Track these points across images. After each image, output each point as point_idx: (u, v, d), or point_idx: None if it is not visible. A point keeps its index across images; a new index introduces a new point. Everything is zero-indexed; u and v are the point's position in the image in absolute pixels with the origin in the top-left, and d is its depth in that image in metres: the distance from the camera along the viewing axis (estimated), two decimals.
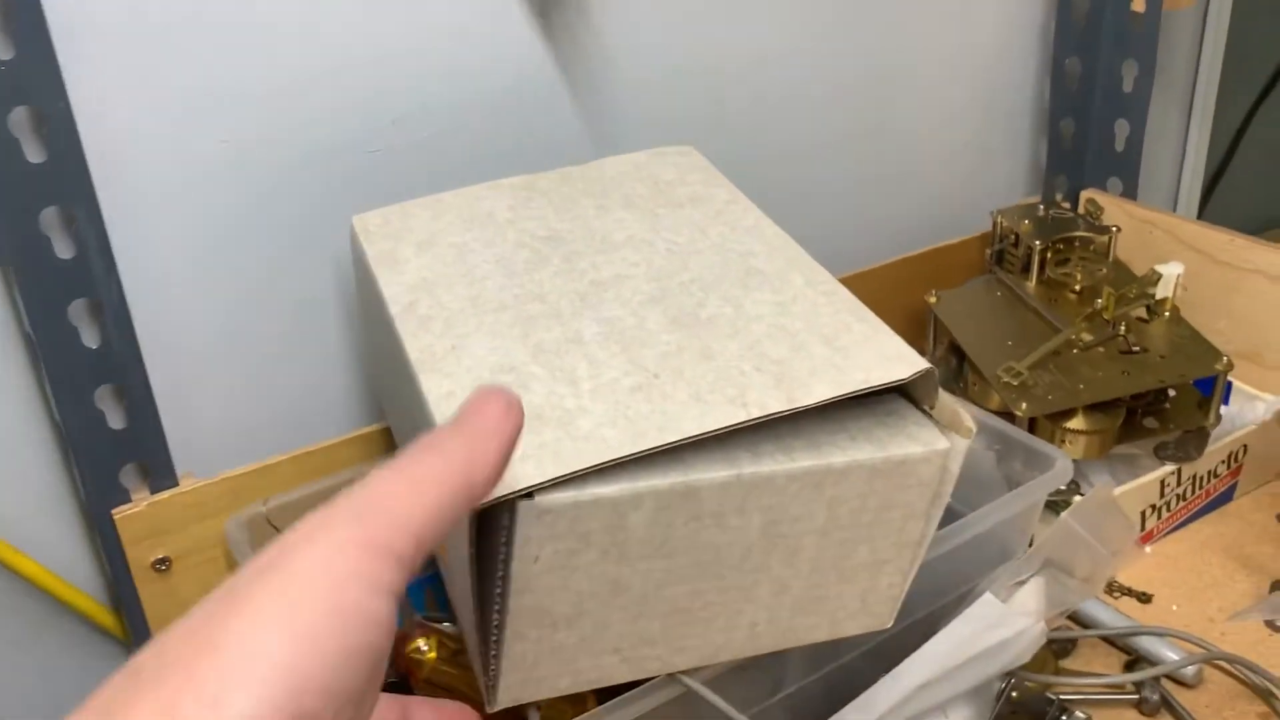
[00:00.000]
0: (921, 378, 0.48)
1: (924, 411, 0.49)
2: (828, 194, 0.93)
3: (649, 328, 0.51)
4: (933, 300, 0.88)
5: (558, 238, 0.59)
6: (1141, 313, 0.83)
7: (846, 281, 0.89)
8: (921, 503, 0.49)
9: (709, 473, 0.44)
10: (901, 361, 0.48)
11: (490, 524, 0.43)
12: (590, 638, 0.46)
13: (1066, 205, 1.01)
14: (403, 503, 0.31)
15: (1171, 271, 0.83)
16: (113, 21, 0.60)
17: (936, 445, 0.47)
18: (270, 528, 0.68)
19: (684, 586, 0.47)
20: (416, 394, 0.49)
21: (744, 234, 0.59)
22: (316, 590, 0.28)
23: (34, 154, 0.57)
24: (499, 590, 0.43)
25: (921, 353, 0.91)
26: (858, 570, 0.50)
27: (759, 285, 0.54)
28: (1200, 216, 1.20)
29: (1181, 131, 1.13)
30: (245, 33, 0.64)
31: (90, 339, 0.62)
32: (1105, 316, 0.81)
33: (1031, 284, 0.88)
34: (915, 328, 0.94)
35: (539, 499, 0.41)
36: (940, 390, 0.49)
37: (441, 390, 0.48)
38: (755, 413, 0.45)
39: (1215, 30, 1.08)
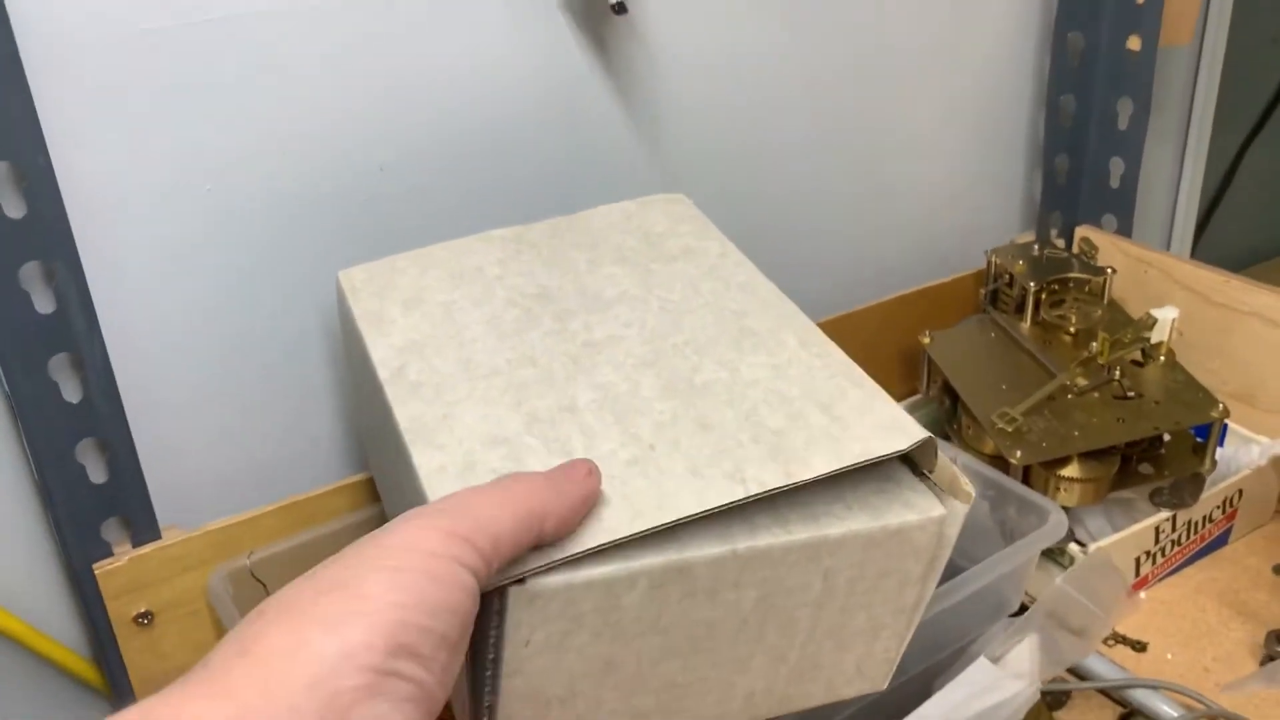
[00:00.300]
0: (920, 446, 0.47)
1: (921, 475, 0.49)
2: (822, 231, 0.92)
3: (643, 394, 0.50)
4: (926, 341, 0.87)
5: (548, 295, 0.58)
6: (1137, 356, 0.82)
7: (841, 321, 0.89)
8: (919, 569, 0.48)
9: (703, 549, 0.43)
10: (900, 431, 0.47)
11: (481, 606, 0.42)
12: (583, 717, 0.46)
13: (1061, 243, 1.00)
14: (485, 509, 0.37)
15: (1166, 316, 0.82)
16: (94, 73, 0.59)
17: (932, 513, 0.47)
18: (254, 581, 0.67)
19: (678, 662, 0.46)
20: (408, 464, 0.48)
21: (737, 291, 0.58)
22: (411, 556, 0.34)
23: (13, 209, 0.56)
24: (489, 673, 0.42)
25: (915, 393, 0.92)
26: (854, 638, 0.49)
27: (753, 347, 0.53)
28: (1194, 249, 1.19)
29: (1176, 166, 1.12)
30: (231, 83, 0.63)
31: (71, 394, 0.61)
32: (1100, 361, 0.80)
33: (1026, 325, 0.87)
34: (909, 367, 0.94)
35: (530, 584, 0.40)
36: (940, 453, 0.48)
37: (434, 464, 0.47)
38: (754, 489, 0.44)
39: (1210, 65, 1.07)
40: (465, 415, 0.49)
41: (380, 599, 0.32)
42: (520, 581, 0.40)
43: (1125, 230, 0.98)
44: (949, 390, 0.85)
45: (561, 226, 0.65)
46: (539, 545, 0.39)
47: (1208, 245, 1.22)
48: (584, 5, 0.72)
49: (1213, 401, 0.78)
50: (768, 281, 0.59)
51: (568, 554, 0.41)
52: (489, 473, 0.46)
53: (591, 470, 0.42)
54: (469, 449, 0.47)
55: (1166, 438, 0.80)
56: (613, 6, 0.68)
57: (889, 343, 0.93)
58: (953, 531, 0.48)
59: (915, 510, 0.47)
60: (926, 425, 0.90)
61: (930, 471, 0.48)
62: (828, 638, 0.49)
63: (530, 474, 0.41)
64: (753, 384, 0.51)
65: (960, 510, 0.47)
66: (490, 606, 0.41)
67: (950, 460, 0.48)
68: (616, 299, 0.58)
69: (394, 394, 0.51)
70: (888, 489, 0.47)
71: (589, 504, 0.41)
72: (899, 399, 0.94)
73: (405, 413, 0.50)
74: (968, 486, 0.47)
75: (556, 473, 0.41)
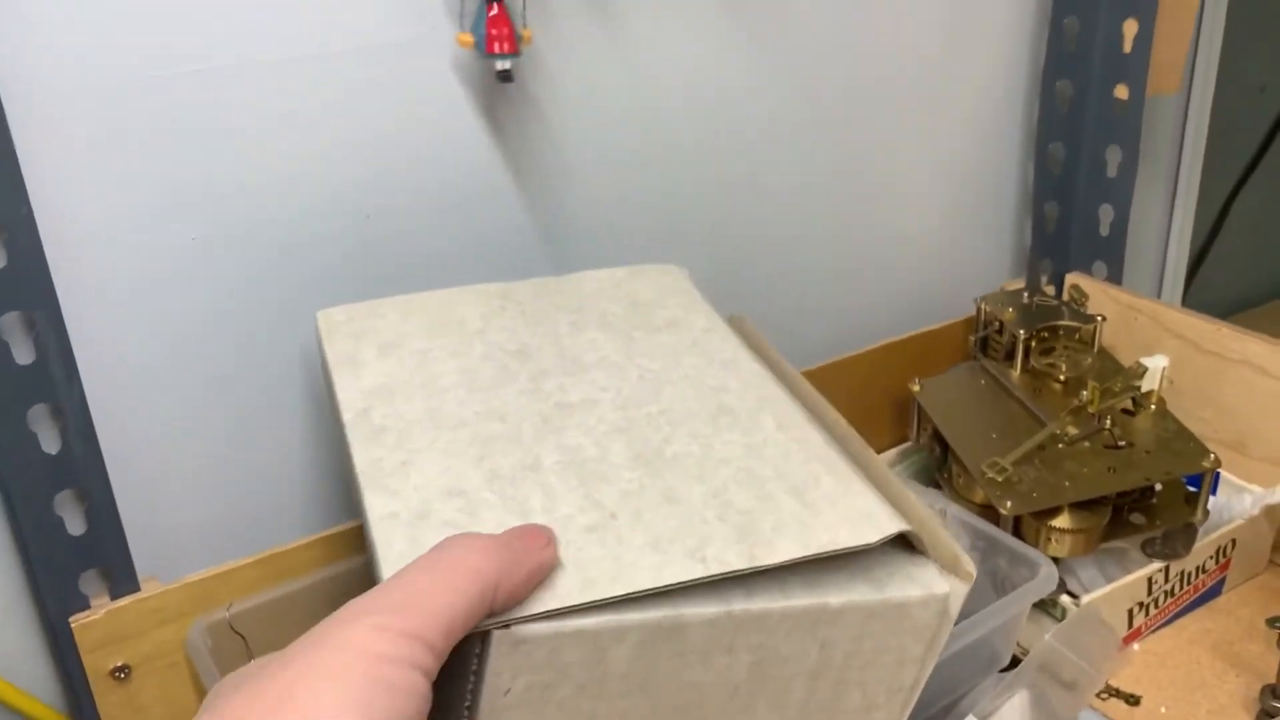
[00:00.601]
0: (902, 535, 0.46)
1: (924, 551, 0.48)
2: (811, 279, 0.92)
3: (611, 461, 0.49)
4: (916, 389, 0.87)
5: (527, 353, 0.58)
6: (1127, 405, 0.82)
7: (831, 368, 0.89)
8: (918, 647, 0.46)
9: (697, 607, 0.42)
10: (871, 524, 0.45)
11: (457, 650, 0.41)
12: None
13: (1051, 290, 1.00)
14: (435, 598, 0.35)
15: (1157, 365, 0.82)
16: (77, 124, 0.59)
17: (936, 589, 0.45)
18: (233, 633, 0.66)
19: None
20: (362, 509, 0.47)
21: (719, 367, 0.57)
22: (361, 665, 0.32)
23: None
24: None
25: (905, 440, 0.92)
26: (847, 715, 0.48)
27: (729, 425, 0.52)
28: (1185, 295, 1.19)
29: (1166, 213, 1.13)
30: (216, 134, 0.63)
31: (50, 444, 0.60)
32: (1090, 410, 0.80)
33: (1016, 374, 0.87)
34: (899, 412, 0.93)
35: (515, 629, 0.39)
36: (941, 531, 0.47)
37: (385, 509, 0.46)
38: (714, 569, 0.42)
39: (1198, 114, 1.08)
40: (425, 464, 0.49)
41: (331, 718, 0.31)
42: (505, 626, 0.39)
43: (1115, 277, 0.98)
44: (939, 438, 0.85)
45: (549, 287, 0.65)
46: (490, 615, 0.38)
47: (1198, 291, 1.22)
48: (480, 74, 0.71)
49: (1204, 451, 0.77)
50: (752, 360, 0.58)
51: (552, 607, 0.40)
52: (442, 524, 0.45)
53: (550, 540, 0.41)
54: (425, 498, 0.46)
55: (1158, 487, 0.80)
56: (499, 74, 0.68)
57: (879, 389, 0.93)
58: (954, 609, 0.46)
59: (919, 585, 0.45)
60: (916, 474, 0.91)
61: (925, 554, 0.47)
62: (820, 713, 0.47)
63: (484, 540, 0.39)
64: (724, 461, 0.50)
65: (962, 590, 0.46)
66: (469, 651, 0.39)
67: (952, 540, 0.47)
68: (595, 363, 0.57)
69: (355, 436, 0.51)
70: (890, 562, 0.46)
71: (543, 574, 0.40)
72: (889, 446, 0.94)
73: (364, 456, 0.49)
74: (969, 566, 0.46)
75: (513, 538, 0.40)
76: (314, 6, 0.64)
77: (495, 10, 0.66)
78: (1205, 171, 1.12)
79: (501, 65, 0.67)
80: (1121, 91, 0.91)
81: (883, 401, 0.94)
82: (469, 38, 0.67)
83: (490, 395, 0.54)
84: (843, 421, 0.54)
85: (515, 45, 0.66)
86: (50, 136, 0.58)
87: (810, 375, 0.87)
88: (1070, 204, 0.98)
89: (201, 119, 0.63)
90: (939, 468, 0.87)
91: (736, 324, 0.65)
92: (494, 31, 0.66)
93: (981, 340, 0.92)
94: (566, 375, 0.56)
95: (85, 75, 0.59)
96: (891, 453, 0.94)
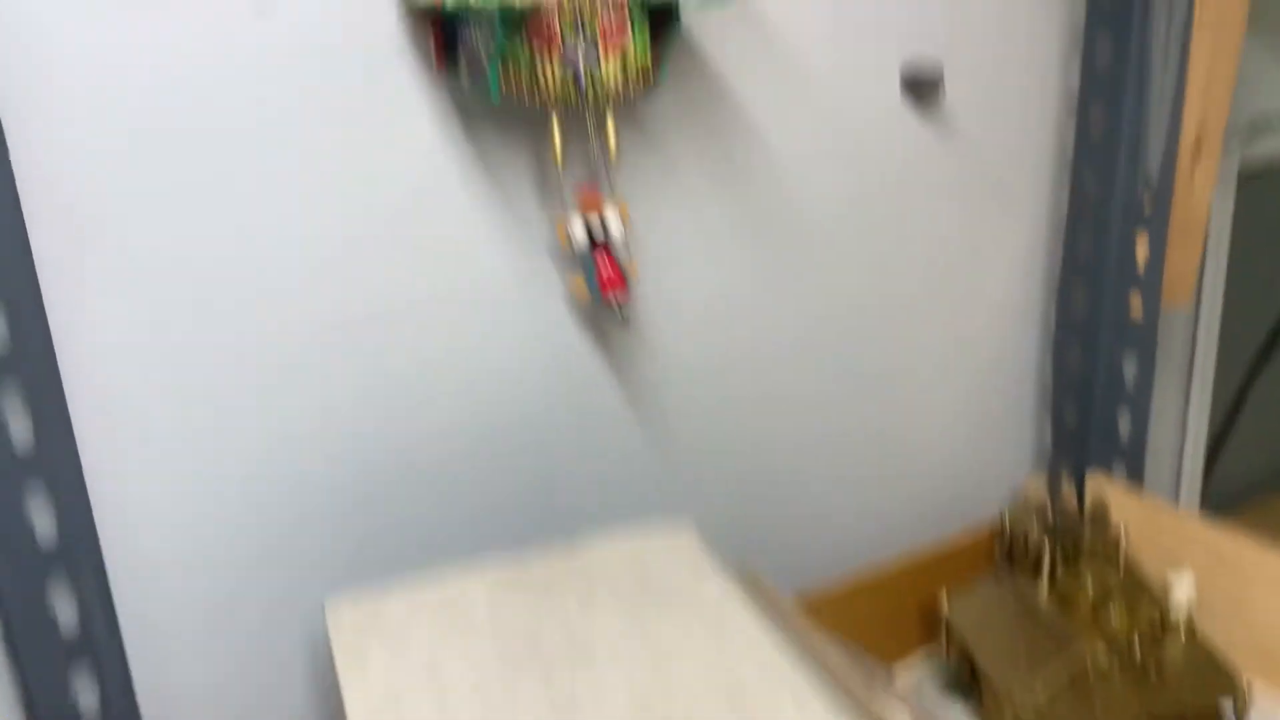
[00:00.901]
0: None
1: None
2: (836, 486, 0.93)
3: None
4: (946, 610, 0.87)
5: (537, 642, 0.58)
6: (1156, 623, 0.82)
7: (857, 589, 0.88)
8: None
9: None
10: None
11: None
12: None
13: (1072, 491, 1.00)
14: None
15: (1183, 586, 0.82)
16: (131, 401, 0.62)
17: None
18: None
19: None
20: None
21: (731, 645, 0.58)
22: None
23: (45, 529, 0.58)
24: None
25: (933, 641, 0.90)
26: None
27: (745, 713, 0.53)
28: (1205, 480, 1.19)
29: (1181, 411, 1.14)
30: (248, 397, 0.66)
31: (89, 705, 0.61)
32: (1120, 636, 0.80)
33: (1043, 593, 0.87)
34: (928, 623, 0.93)
35: None
36: None
37: None
38: None
39: (1208, 319, 1.10)
40: None
41: None
42: None
43: (1136, 475, 0.98)
44: (968, 658, 0.85)
45: (557, 563, 0.66)
46: None
47: (1220, 471, 1.22)
48: (591, 314, 0.74)
49: (1235, 677, 0.77)
50: (767, 632, 0.59)
51: None
52: None
53: None
54: None
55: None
56: (619, 319, 0.71)
57: (909, 600, 0.92)
58: None
59: None
60: (946, 685, 0.90)
61: None
62: None
63: None
64: None
65: None
66: None
67: None
68: (607, 653, 0.58)
69: None
70: None
71: None
72: (917, 652, 0.93)
73: None
74: None
75: None
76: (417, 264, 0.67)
77: (607, 261, 0.69)
78: (1218, 359, 1.13)
79: (621, 310, 0.72)
80: (1137, 311, 0.93)
81: (911, 610, 0.93)
82: (584, 288, 0.70)
83: (499, 696, 0.54)
84: (859, 678, 0.54)
85: (626, 288, 0.70)
86: (102, 421, 0.61)
87: (838, 596, 0.87)
88: (1089, 407, 0.98)
89: (231, 396, 0.65)
90: (968, 690, 0.86)
91: (748, 580, 0.66)
92: (607, 280, 0.70)
93: (1007, 551, 0.92)
94: (577, 667, 0.57)
95: (133, 369, 0.61)
96: (921, 663, 0.93)
